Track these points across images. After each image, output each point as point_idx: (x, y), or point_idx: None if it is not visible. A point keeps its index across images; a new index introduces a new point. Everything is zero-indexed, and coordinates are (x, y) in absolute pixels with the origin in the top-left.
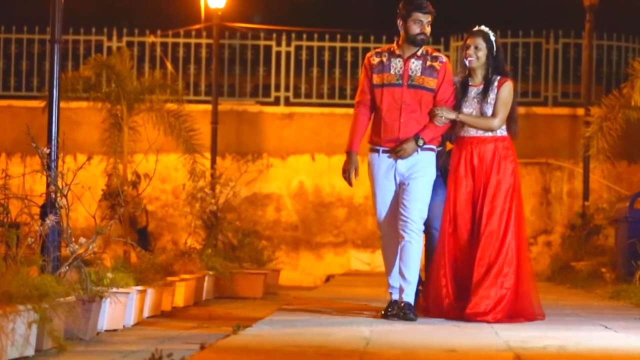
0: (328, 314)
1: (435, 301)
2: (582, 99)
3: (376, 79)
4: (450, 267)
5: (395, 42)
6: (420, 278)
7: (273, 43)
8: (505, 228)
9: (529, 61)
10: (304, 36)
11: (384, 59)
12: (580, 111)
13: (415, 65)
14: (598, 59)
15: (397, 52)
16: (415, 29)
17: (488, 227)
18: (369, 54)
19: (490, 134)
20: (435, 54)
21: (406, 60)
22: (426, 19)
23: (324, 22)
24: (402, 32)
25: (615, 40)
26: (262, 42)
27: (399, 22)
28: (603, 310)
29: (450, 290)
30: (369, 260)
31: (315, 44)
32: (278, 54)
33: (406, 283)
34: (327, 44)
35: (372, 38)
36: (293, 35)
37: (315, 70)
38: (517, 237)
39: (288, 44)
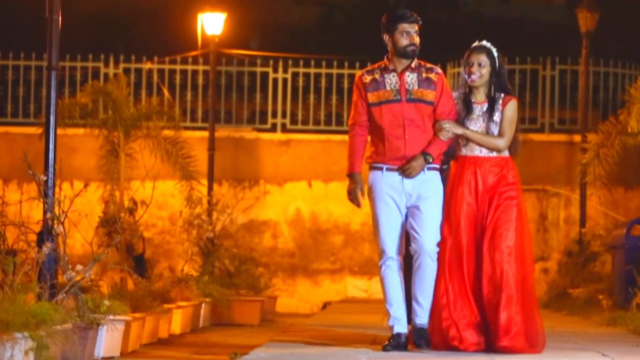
0: (325, 342)
1: (438, 332)
2: (579, 125)
3: (372, 98)
4: (453, 297)
5: (385, 58)
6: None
7: (270, 70)
8: (509, 255)
9: (526, 87)
10: (301, 63)
11: (377, 76)
12: (577, 138)
13: (411, 78)
14: (595, 86)
15: (390, 66)
16: (403, 41)
17: (492, 255)
18: (359, 73)
19: (494, 154)
20: (429, 65)
21: (401, 74)
22: (413, 28)
23: (320, 49)
24: (390, 47)
25: (612, 66)
26: (258, 69)
27: (385, 37)
28: (600, 338)
29: (455, 321)
30: (366, 287)
31: (312, 70)
32: (275, 80)
33: (420, 307)
34: (323, 71)
35: (368, 64)
36: (290, 62)
37: (312, 96)
38: (521, 262)
39: (285, 71)
